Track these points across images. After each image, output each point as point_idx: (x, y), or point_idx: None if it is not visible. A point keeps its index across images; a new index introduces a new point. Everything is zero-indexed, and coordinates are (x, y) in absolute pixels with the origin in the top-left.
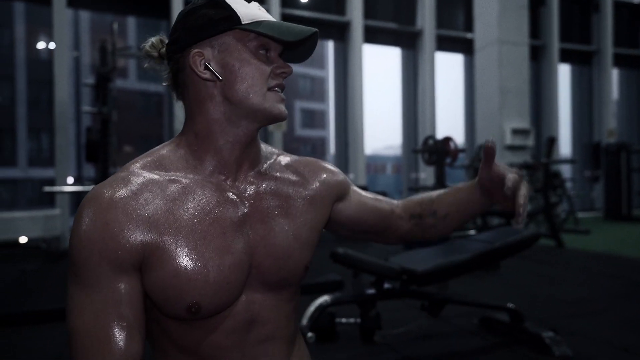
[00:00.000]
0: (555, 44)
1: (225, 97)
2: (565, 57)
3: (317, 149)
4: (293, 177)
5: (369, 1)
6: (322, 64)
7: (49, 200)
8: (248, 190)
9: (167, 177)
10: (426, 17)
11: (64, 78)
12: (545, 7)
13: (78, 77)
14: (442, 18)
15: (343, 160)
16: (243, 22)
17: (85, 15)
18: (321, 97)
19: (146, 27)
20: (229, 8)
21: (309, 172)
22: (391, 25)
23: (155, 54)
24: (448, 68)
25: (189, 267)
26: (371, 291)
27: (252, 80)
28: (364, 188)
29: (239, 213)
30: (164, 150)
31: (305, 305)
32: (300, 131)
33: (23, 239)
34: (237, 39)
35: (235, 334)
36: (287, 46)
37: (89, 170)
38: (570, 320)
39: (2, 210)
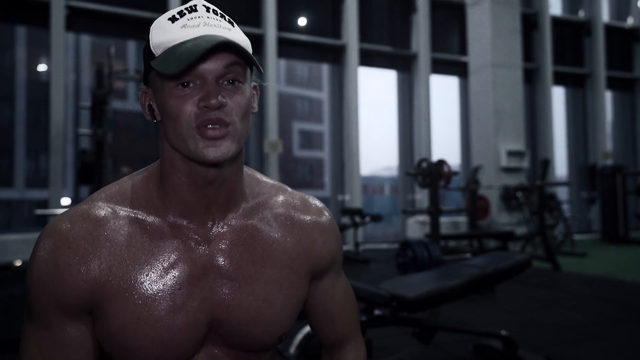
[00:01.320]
0: (548, 67)
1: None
2: (559, 79)
3: (314, 169)
4: (278, 228)
5: (365, 25)
6: (319, 86)
7: (44, 222)
8: (216, 237)
9: (129, 216)
10: (421, 40)
11: (59, 100)
12: (538, 31)
13: (77, 99)
14: (437, 41)
15: (339, 181)
16: (156, 55)
17: (86, 39)
18: (319, 118)
19: None
20: (148, 39)
21: (300, 228)
22: (386, 48)
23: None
24: (443, 90)
25: (135, 325)
26: (361, 318)
27: (173, 121)
28: (358, 210)
29: (200, 263)
30: (133, 180)
31: (293, 333)
32: (298, 152)
33: (18, 262)
34: (156, 75)
35: None
36: (175, 76)
37: (86, 192)
38: (565, 346)
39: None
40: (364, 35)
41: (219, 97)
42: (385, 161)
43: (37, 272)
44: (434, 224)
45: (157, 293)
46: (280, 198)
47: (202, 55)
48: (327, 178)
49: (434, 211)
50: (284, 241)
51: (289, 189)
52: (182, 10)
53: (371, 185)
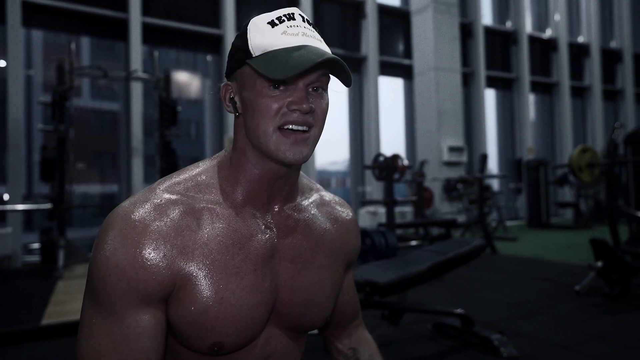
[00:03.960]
0: (482, 72)
1: (245, 133)
2: (490, 83)
3: None
4: (326, 222)
5: (319, 28)
6: None
7: (0, 218)
8: (280, 223)
9: (200, 204)
10: (370, 44)
11: (18, 96)
12: (473, 39)
13: (30, 95)
14: (385, 46)
15: None
16: (253, 56)
17: (38, 35)
18: None
19: (101, 47)
20: (245, 39)
21: (341, 223)
22: (338, 50)
23: None
24: (390, 91)
25: (218, 306)
26: None
27: (258, 118)
28: None
29: (269, 247)
30: (201, 168)
31: None
32: None
33: None
34: (249, 73)
35: None
36: (278, 81)
37: (39, 187)
38: (513, 321)
39: None
40: None
41: (310, 104)
42: (332, 156)
43: (114, 258)
44: (390, 214)
45: (237, 273)
46: (320, 193)
47: (310, 69)
48: None
49: (390, 202)
50: (332, 233)
51: (319, 185)
52: (280, 17)
53: (319, 178)
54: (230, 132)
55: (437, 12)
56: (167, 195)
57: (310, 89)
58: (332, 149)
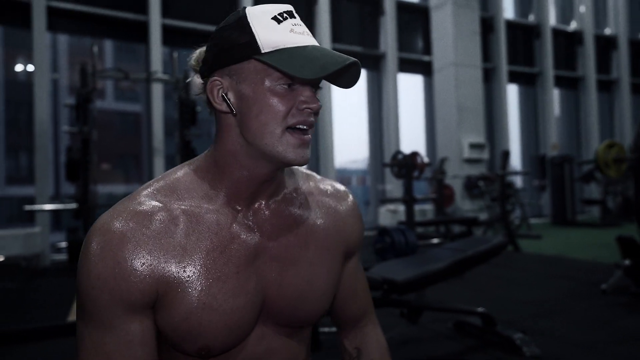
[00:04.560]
0: (504, 67)
1: (242, 132)
2: (513, 78)
3: None
4: (316, 211)
5: (336, 26)
6: None
7: (29, 218)
8: (264, 221)
9: (180, 207)
10: (388, 41)
11: (43, 99)
12: (494, 34)
13: (56, 98)
14: (403, 42)
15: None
16: (263, 51)
17: (63, 39)
18: None
19: (124, 50)
20: (250, 32)
21: (334, 210)
22: (356, 48)
23: (197, 68)
24: (409, 88)
25: (201, 311)
26: None
27: (266, 118)
28: None
29: (253, 246)
30: (179, 173)
31: None
32: None
33: (1, 257)
34: (256, 69)
35: None
36: (307, 81)
37: (67, 188)
38: (535, 320)
39: None
40: (335, 36)
41: (319, 103)
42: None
43: (95, 271)
44: (409, 212)
45: (219, 277)
46: (313, 184)
47: (339, 70)
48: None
49: (409, 200)
50: (323, 225)
51: (317, 176)
52: (282, 13)
53: (339, 177)
54: None
55: (457, 7)
56: (146, 203)
57: (312, 90)
58: (352, 147)
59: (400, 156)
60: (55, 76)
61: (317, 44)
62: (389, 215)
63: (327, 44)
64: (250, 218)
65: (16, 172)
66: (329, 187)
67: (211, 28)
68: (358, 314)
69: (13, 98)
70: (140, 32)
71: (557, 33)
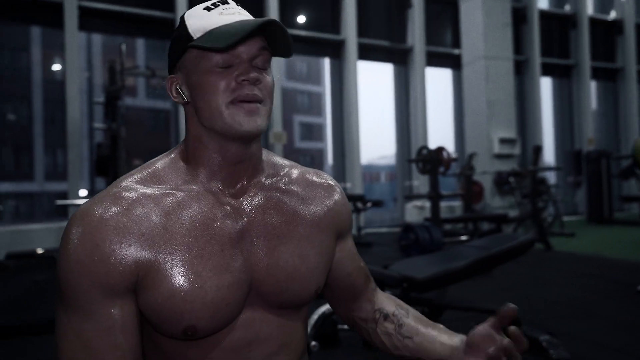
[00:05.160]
0: (537, 59)
1: (199, 119)
2: (546, 70)
3: (315, 160)
4: (302, 193)
5: (363, 20)
6: (319, 81)
7: (63, 212)
8: (248, 202)
9: (161, 191)
10: (416, 34)
11: (75, 97)
12: (527, 25)
13: (91, 96)
14: (431, 35)
15: (340, 170)
16: (194, 39)
17: (97, 38)
18: (319, 111)
19: (154, 47)
20: (185, 26)
21: (320, 192)
22: (383, 42)
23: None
24: (438, 82)
25: (184, 289)
26: None
27: (209, 97)
28: (360, 197)
29: (238, 227)
30: (159, 162)
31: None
32: (299, 143)
33: (40, 250)
34: (194, 57)
35: (234, 352)
36: (224, 50)
37: (102, 184)
38: (564, 321)
39: (21, 223)
40: (362, 30)
41: (257, 73)
42: (381, 151)
43: (75, 255)
44: (435, 208)
45: (202, 255)
46: (296, 171)
47: (251, 32)
48: (327, 167)
49: (435, 196)
50: (310, 202)
51: (303, 166)
52: (215, 2)
53: (368, 173)
54: (275, 127)
55: None
56: (126, 189)
57: (255, 65)
58: (382, 143)
59: (425, 151)
60: (89, 75)
61: (251, 19)
62: (416, 211)
63: (353, 38)
64: (232, 199)
65: (54, 168)
66: (313, 173)
67: None
68: (363, 283)
69: (50, 97)
70: (168, 30)
71: (595, 22)
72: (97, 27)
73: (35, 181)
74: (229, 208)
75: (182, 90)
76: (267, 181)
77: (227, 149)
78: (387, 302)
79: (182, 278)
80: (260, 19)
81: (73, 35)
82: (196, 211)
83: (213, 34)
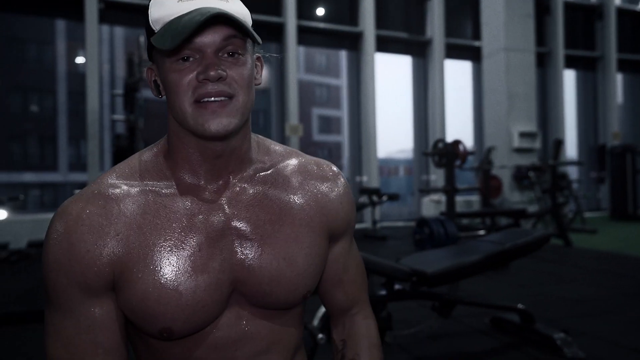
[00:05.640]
0: (560, 51)
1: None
2: (570, 63)
3: (333, 152)
4: (294, 187)
5: (381, 12)
6: (338, 73)
7: None
8: (230, 198)
9: (140, 188)
10: (435, 26)
11: (95, 89)
12: (550, 16)
13: (112, 88)
14: (451, 27)
15: (357, 163)
16: (155, 31)
17: (119, 31)
18: (337, 104)
19: None
20: (147, 15)
21: (316, 185)
22: (402, 34)
23: None
24: (457, 74)
25: (158, 290)
26: (382, 292)
27: (174, 96)
28: (376, 190)
29: (218, 225)
30: (142, 156)
31: (315, 306)
32: (317, 136)
33: None
34: (157, 51)
35: (219, 351)
36: (171, 51)
37: None
38: (581, 320)
39: (43, 212)
40: (380, 22)
41: (218, 70)
42: (400, 144)
43: (53, 255)
44: (450, 202)
45: (178, 256)
46: (294, 161)
47: (196, 29)
48: (345, 160)
49: (450, 190)
50: (301, 200)
51: (303, 154)
52: None
53: (386, 167)
54: (291, 119)
55: None
56: (105, 186)
57: (223, 55)
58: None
59: (441, 145)
60: (111, 67)
61: (212, 4)
62: (433, 205)
63: (371, 30)
64: (214, 196)
65: (77, 159)
66: (313, 165)
67: (254, 16)
68: (346, 302)
69: (74, 89)
70: None
71: (623, 13)
72: (119, 19)
73: (59, 171)
74: (208, 205)
75: (157, 83)
76: (257, 174)
77: (204, 146)
78: (355, 340)
79: (156, 280)
80: (206, 12)
81: (93, 28)
82: (173, 209)
83: (166, 29)
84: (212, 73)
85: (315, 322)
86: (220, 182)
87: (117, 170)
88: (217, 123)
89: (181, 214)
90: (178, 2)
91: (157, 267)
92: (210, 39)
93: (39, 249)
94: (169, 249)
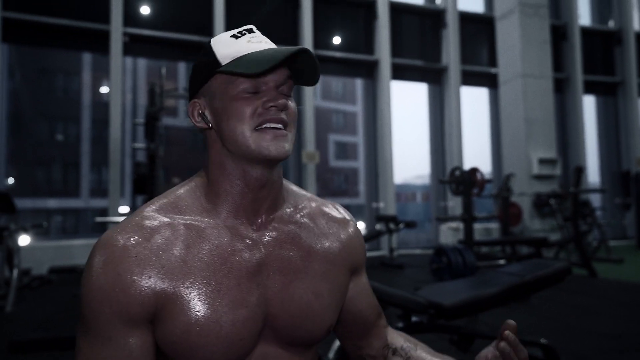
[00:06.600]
0: (579, 76)
1: (223, 143)
2: (589, 88)
3: (349, 178)
4: (318, 228)
5: (396, 41)
6: (354, 100)
7: (103, 229)
8: (266, 235)
9: (182, 221)
10: (451, 54)
11: (117, 118)
12: (567, 42)
13: (134, 116)
14: (467, 54)
15: (373, 189)
16: (222, 64)
17: (142, 62)
18: (353, 130)
19: None
20: (212, 52)
21: (336, 227)
22: (417, 62)
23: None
24: (473, 101)
25: (200, 323)
26: (398, 325)
27: (234, 122)
28: (393, 217)
29: (255, 261)
30: (180, 190)
31: (331, 338)
32: (334, 162)
33: (80, 265)
34: (221, 82)
35: None
36: (256, 76)
37: (141, 201)
38: (609, 355)
39: (64, 238)
40: (395, 50)
41: (284, 100)
42: (417, 170)
43: (97, 283)
44: (468, 231)
45: (219, 290)
46: (315, 204)
47: (286, 58)
48: (361, 186)
49: (468, 218)
50: (326, 238)
51: (320, 199)
52: (241, 31)
53: (404, 193)
54: (308, 147)
55: (524, 16)
56: (148, 218)
57: (280, 92)
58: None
59: (458, 172)
60: (132, 97)
61: (278, 47)
62: (451, 233)
63: (386, 58)
64: (252, 232)
65: (98, 184)
66: (333, 211)
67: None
68: (374, 319)
69: (98, 118)
70: None
71: None
72: (142, 52)
73: (81, 197)
74: (247, 241)
75: (205, 115)
76: (285, 212)
77: (250, 174)
78: (396, 337)
79: (199, 312)
80: (292, 48)
81: (118, 60)
82: (214, 244)
83: (243, 60)
84: (281, 101)
85: (331, 355)
86: (257, 218)
87: (157, 204)
88: (278, 147)
89: (222, 249)
90: (247, 42)
91: (199, 300)
92: (277, 75)
93: (60, 275)
94: (211, 283)
